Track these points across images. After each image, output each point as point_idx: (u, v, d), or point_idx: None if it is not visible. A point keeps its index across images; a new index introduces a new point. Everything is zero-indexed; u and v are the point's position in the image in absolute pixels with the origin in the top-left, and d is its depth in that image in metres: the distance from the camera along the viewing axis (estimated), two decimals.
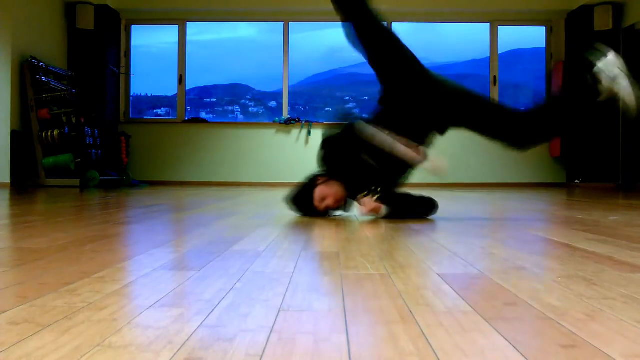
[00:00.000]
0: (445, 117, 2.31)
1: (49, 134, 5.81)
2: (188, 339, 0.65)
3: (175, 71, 7.42)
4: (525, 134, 2.31)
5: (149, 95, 7.89)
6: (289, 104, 7.47)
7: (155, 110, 7.86)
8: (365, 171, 2.25)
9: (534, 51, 7.63)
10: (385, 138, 2.16)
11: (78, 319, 0.72)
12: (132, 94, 7.50)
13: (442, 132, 2.34)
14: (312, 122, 7.17)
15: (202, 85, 7.92)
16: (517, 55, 7.82)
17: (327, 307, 0.80)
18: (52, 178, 5.81)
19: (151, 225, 2.01)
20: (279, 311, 0.78)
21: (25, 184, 5.79)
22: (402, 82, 2.31)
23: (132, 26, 7.44)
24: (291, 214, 2.43)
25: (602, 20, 6.60)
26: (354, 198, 2.33)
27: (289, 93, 7.47)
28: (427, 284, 0.97)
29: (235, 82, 8.15)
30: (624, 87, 2.07)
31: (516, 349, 0.62)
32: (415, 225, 2.03)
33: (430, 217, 2.32)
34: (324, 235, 1.72)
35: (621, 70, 2.10)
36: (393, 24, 7.39)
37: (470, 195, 4.79)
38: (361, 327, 0.71)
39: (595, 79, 2.12)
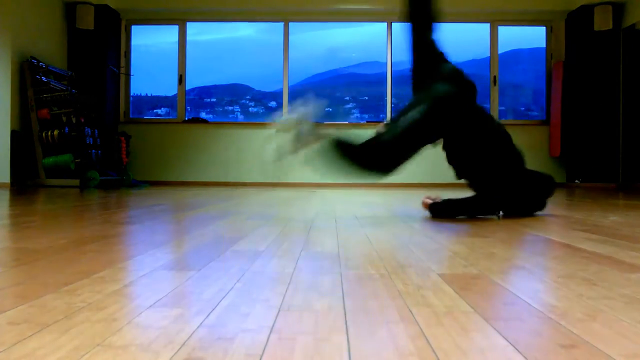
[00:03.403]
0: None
1: (49, 134, 5.81)
2: (188, 339, 0.65)
3: (175, 71, 7.43)
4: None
5: (149, 95, 7.89)
6: (289, 104, 7.47)
7: (155, 110, 7.85)
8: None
9: (534, 51, 7.63)
10: None
11: (78, 319, 0.72)
12: (132, 94, 7.50)
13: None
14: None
15: (202, 85, 7.92)
16: (517, 55, 7.82)
17: (327, 307, 0.80)
18: (52, 178, 5.81)
19: (151, 225, 2.01)
20: (279, 311, 0.78)
21: (25, 184, 5.79)
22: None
23: (132, 26, 7.45)
24: (291, 215, 2.43)
25: (602, 20, 6.60)
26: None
27: (289, 93, 7.47)
28: (427, 284, 0.97)
29: (235, 82, 8.15)
30: None
31: (516, 349, 0.62)
32: (416, 225, 2.03)
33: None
34: (324, 235, 1.72)
35: None
36: (393, 23, 7.39)
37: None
38: (361, 327, 0.71)
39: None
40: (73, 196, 4.00)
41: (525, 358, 0.59)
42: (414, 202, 3.36)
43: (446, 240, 1.60)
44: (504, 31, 7.39)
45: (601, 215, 2.53)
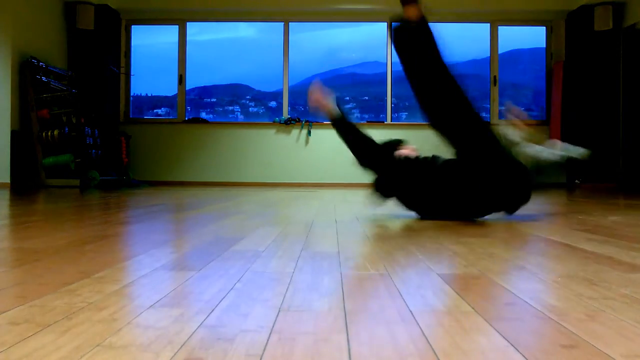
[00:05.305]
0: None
1: (49, 134, 5.81)
2: (188, 339, 0.65)
3: (175, 71, 7.43)
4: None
5: (149, 95, 7.89)
6: (289, 104, 7.47)
7: (155, 110, 7.85)
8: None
9: (534, 51, 7.63)
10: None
11: (78, 319, 0.72)
12: (132, 94, 7.50)
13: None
14: (312, 122, 7.17)
15: (202, 85, 7.92)
16: (517, 55, 7.82)
17: (327, 307, 0.80)
18: (52, 178, 5.81)
19: (151, 225, 2.01)
20: (279, 311, 0.78)
21: (25, 184, 5.79)
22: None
23: (132, 26, 7.44)
24: (291, 215, 2.43)
25: (602, 20, 6.60)
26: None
27: (289, 93, 7.47)
28: (427, 284, 0.97)
29: (235, 82, 8.15)
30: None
31: (516, 349, 0.62)
32: (416, 225, 2.03)
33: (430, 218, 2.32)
34: (324, 235, 1.72)
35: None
36: (393, 24, 7.39)
37: None
38: (361, 327, 0.71)
39: None
40: (73, 196, 4.00)
41: (525, 358, 0.59)
42: None
43: (446, 240, 1.59)
44: (504, 31, 7.39)
45: (601, 215, 2.53)
